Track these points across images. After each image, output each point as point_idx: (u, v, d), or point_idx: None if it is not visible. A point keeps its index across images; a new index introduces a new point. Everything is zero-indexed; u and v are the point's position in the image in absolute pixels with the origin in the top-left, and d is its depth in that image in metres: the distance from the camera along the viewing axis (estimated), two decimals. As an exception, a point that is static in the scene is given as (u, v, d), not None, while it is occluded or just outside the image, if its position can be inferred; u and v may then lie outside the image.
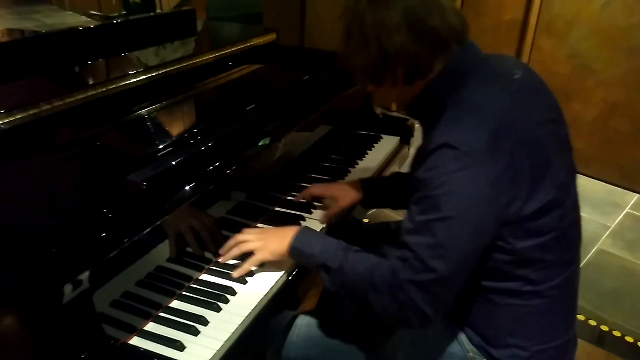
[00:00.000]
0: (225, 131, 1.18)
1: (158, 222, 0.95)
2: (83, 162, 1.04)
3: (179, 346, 0.90)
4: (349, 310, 1.15)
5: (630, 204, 2.83)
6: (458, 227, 0.87)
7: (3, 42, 1.47)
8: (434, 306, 0.89)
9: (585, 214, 2.65)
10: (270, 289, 1.05)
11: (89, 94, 1.18)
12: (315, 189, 1.33)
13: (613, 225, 2.63)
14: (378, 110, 1.81)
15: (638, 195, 2.90)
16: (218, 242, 1.12)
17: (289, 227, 1.11)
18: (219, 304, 0.99)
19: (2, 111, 1.04)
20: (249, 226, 1.22)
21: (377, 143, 1.73)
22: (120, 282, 0.94)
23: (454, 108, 0.93)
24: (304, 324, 1.15)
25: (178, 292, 1.02)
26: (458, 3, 3.19)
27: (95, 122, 1.16)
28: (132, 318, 0.94)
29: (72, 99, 1.15)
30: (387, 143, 1.73)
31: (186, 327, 0.94)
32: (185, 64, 1.43)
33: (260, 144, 1.23)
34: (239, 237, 1.10)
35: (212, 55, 1.53)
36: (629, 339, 1.94)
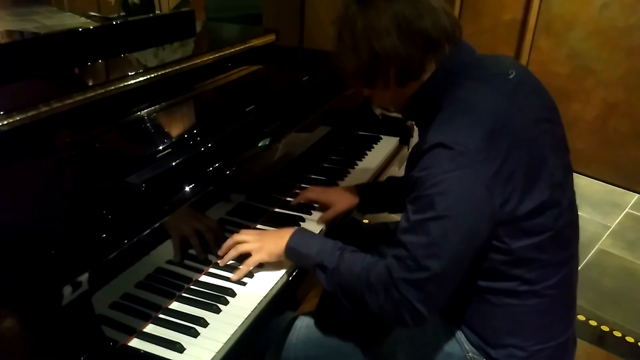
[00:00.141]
0: (224, 132, 1.18)
1: (157, 224, 0.95)
2: (82, 164, 1.04)
3: (178, 348, 0.89)
4: (348, 311, 1.16)
5: (630, 204, 2.83)
6: (452, 226, 0.87)
7: (2, 43, 1.46)
8: (428, 305, 0.90)
9: (585, 214, 2.66)
10: (269, 290, 1.05)
11: (89, 95, 1.18)
12: (311, 194, 1.32)
13: (613, 226, 2.63)
14: (377, 111, 1.81)
15: (638, 195, 2.90)
16: (218, 243, 1.12)
17: (285, 228, 1.11)
18: (219, 305, 0.99)
19: (1, 113, 1.03)
20: (248, 227, 1.22)
21: (376, 144, 1.73)
22: (120, 284, 0.93)
23: (448, 108, 0.94)
24: (303, 326, 1.15)
25: (178, 293, 1.02)
26: (457, 4, 3.19)
27: (95, 124, 1.16)
28: (132, 320, 0.94)
29: (72, 101, 1.15)
30: (387, 144, 1.73)
31: (186, 328, 0.93)
32: (184, 65, 1.43)
33: (259, 144, 1.23)
34: (237, 237, 1.10)
35: (211, 56, 1.53)
36: (630, 339, 1.94)
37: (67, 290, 0.78)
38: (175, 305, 1.00)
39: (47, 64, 1.33)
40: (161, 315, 0.97)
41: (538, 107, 1.00)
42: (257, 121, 1.27)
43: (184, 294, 1.02)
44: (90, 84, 1.25)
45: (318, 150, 1.57)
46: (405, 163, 1.74)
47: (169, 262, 1.04)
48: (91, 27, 1.49)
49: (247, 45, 1.68)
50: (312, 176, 1.49)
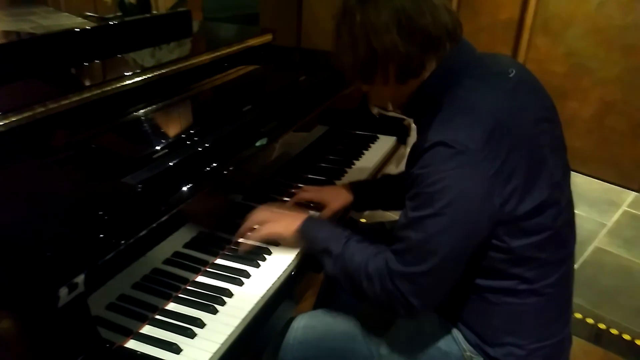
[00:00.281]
0: (221, 132, 1.18)
1: (154, 224, 0.95)
2: (79, 165, 1.04)
3: (175, 349, 0.89)
4: (346, 308, 1.16)
5: (627, 202, 2.84)
6: (449, 224, 0.88)
7: (-2, 44, 1.46)
8: (421, 298, 0.93)
9: (582, 212, 2.66)
10: (267, 290, 1.05)
11: (85, 96, 1.18)
12: (306, 194, 1.33)
13: (610, 224, 2.63)
14: (375, 110, 1.81)
15: (635, 193, 2.91)
16: (216, 243, 1.12)
17: (300, 212, 1.17)
18: (216, 306, 0.99)
19: (-3, 114, 1.03)
20: (245, 227, 1.21)
21: (373, 143, 1.73)
22: (117, 285, 0.93)
23: (448, 107, 0.94)
24: (300, 326, 1.15)
25: (174, 294, 1.02)
26: (454, 2, 3.19)
27: (91, 124, 1.16)
28: (128, 321, 0.93)
29: (68, 101, 1.14)
30: (384, 143, 1.73)
31: (182, 329, 0.93)
32: (181, 65, 1.42)
33: (257, 145, 1.23)
34: (254, 217, 1.15)
35: (208, 56, 1.52)
36: (627, 337, 1.94)
37: (63, 291, 0.77)
38: (171, 306, 1.00)
39: (43, 65, 1.33)
40: (158, 316, 0.97)
41: (538, 106, 1.00)
42: (254, 121, 1.27)
43: (180, 295, 1.02)
44: (87, 84, 1.25)
45: (315, 150, 1.57)
46: (402, 162, 1.75)
47: (166, 262, 1.03)
48: (88, 28, 1.49)
49: (244, 45, 1.68)
50: (310, 176, 1.49)
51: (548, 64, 2.94)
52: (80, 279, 0.79)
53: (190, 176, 1.04)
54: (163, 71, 1.37)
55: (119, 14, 2.34)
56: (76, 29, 1.46)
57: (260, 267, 1.10)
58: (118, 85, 1.25)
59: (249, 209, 1.27)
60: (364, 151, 1.67)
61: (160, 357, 0.88)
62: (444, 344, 1.05)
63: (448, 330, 1.06)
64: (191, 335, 0.93)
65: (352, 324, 1.14)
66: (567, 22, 2.87)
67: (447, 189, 0.87)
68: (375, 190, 1.37)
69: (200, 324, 0.95)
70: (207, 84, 1.49)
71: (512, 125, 0.91)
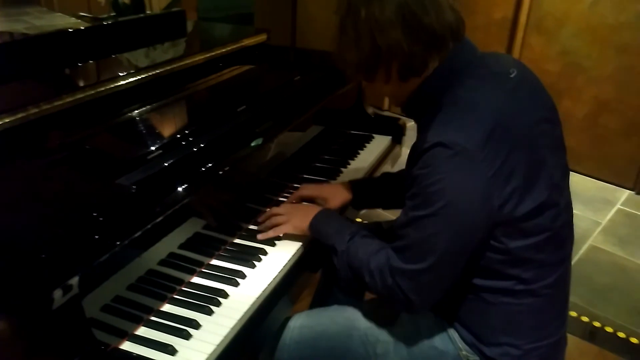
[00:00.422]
0: (216, 132, 1.18)
1: (149, 226, 0.95)
2: (73, 166, 1.04)
3: (170, 350, 0.89)
4: (343, 308, 1.16)
5: (622, 201, 2.85)
6: (447, 224, 0.89)
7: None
8: (419, 295, 0.95)
9: (576, 210, 2.66)
10: (263, 291, 1.04)
11: (79, 96, 1.17)
12: (306, 191, 1.33)
13: (604, 222, 2.65)
14: (370, 110, 1.81)
15: (629, 191, 2.92)
16: (211, 244, 1.12)
17: (314, 205, 1.23)
18: (211, 307, 0.99)
19: (-11, 115, 1.02)
20: (242, 228, 1.21)
21: (369, 143, 1.73)
22: (111, 287, 0.93)
23: (449, 107, 0.93)
24: (297, 326, 1.15)
25: (169, 295, 1.02)
26: (449, 2, 3.19)
27: (85, 125, 1.15)
28: (123, 323, 0.93)
29: (62, 102, 1.14)
30: (379, 143, 1.73)
31: (178, 330, 0.93)
32: (175, 65, 1.42)
33: (252, 145, 1.22)
34: (274, 210, 1.21)
35: (202, 57, 1.52)
36: (621, 334, 1.95)
37: (58, 293, 0.77)
38: (167, 308, 0.99)
39: (37, 65, 1.32)
40: (153, 318, 0.96)
41: (538, 106, 1.00)
42: (249, 121, 1.27)
43: (175, 296, 1.02)
44: (81, 84, 1.24)
45: (310, 149, 1.57)
46: (397, 161, 1.76)
47: (161, 264, 1.03)
48: (81, 28, 1.48)
49: (239, 45, 1.67)
50: (305, 176, 1.49)
51: (542, 63, 2.95)
52: (74, 280, 0.79)
53: (185, 177, 1.04)
54: (157, 71, 1.36)
55: (112, 14, 2.34)
56: (70, 30, 1.45)
57: (255, 268, 1.10)
58: (112, 85, 1.25)
59: (245, 210, 1.27)
60: (360, 151, 1.67)
61: (155, 359, 0.87)
62: (441, 343, 1.05)
63: (444, 329, 1.06)
64: (187, 336, 0.92)
65: (348, 323, 1.13)
66: (561, 21, 2.88)
67: (445, 190, 0.88)
68: (375, 188, 1.37)
69: (196, 325, 0.94)
70: (201, 84, 1.48)
71: (512, 126, 0.91)
